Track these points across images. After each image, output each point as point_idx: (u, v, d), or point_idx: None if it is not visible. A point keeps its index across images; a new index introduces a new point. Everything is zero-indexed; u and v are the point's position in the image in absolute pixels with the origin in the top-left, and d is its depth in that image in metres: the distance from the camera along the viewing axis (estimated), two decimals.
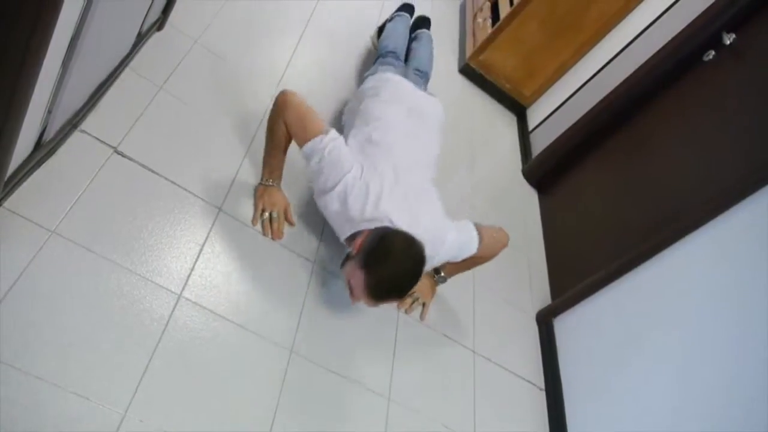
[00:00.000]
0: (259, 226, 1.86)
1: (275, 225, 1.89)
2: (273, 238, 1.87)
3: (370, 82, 2.23)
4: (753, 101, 2.19)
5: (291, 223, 1.95)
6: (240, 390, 1.52)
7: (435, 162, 2.05)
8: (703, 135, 2.33)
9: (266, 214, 1.88)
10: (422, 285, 2.08)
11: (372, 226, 1.68)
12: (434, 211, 1.84)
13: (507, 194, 3.02)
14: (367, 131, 1.88)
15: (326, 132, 1.72)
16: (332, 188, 1.70)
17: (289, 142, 1.82)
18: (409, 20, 2.92)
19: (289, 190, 1.99)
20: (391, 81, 2.19)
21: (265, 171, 1.92)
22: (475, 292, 2.33)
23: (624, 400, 1.99)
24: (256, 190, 1.94)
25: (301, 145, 1.73)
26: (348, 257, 1.72)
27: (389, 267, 1.59)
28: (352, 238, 1.73)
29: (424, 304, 2.10)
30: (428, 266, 1.76)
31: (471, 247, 1.90)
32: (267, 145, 1.87)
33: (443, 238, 1.79)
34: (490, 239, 1.96)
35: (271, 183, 1.92)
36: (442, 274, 2.10)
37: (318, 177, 1.74)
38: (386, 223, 1.68)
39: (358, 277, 1.61)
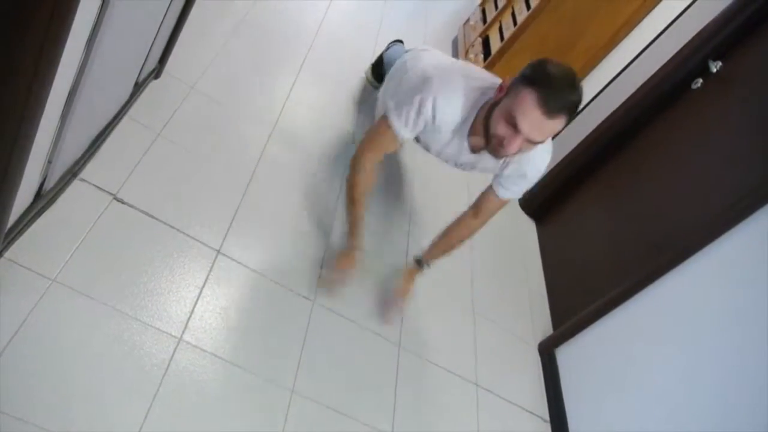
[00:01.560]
0: (262, 264, 1.88)
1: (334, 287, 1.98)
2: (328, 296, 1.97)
3: (407, 57, 2.23)
4: (741, 126, 2.23)
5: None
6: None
7: None
8: (695, 161, 2.35)
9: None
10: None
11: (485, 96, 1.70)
12: None
13: (505, 225, 3.03)
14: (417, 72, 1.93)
15: (389, 119, 1.79)
16: (435, 104, 1.72)
17: (371, 185, 1.92)
18: (404, 47, 2.97)
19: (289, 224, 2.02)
20: (426, 51, 2.23)
21: (353, 231, 1.99)
22: (476, 324, 2.34)
23: (629, 428, 1.98)
24: (342, 252, 2.02)
25: (394, 138, 1.80)
26: (492, 107, 1.64)
27: (559, 75, 1.51)
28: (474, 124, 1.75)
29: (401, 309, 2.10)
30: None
31: (543, 162, 1.88)
32: (351, 208, 1.95)
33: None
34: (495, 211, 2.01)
35: (356, 246, 1.98)
36: (424, 259, 2.10)
37: (420, 118, 1.76)
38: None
39: (525, 97, 1.50)
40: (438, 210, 2.60)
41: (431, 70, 1.82)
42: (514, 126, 1.54)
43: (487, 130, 1.65)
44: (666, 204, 2.39)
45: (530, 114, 1.50)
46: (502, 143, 1.59)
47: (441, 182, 2.82)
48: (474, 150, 1.85)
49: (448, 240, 2.06)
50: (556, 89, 1.49)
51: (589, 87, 3.13)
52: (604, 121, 2.84)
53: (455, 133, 1.82)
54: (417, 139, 1.98)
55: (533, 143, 1.59)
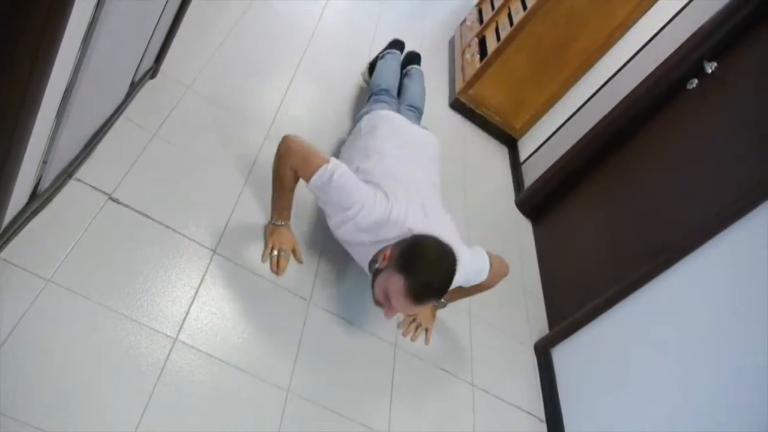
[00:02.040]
0: (257, 264, 1.88)
1: (282, 262, 1.93)
2: (278, 274, 1.92)
3: (365, 120, 2.28)
4: (737, 126, 2.24)
5: (299, 261, 2.00)
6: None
7: (439, 189, 2.10)
8: (690, 161, 2.36)
9: (275, 252, 1.94)
10: (423, 310, 2.12)
11: (396, 240, 1.72)
12: (451, 234, 1.87)
13: (501, 225, 3.04)
14: (369, 164, 1.93)
15: (329, 161, 1.75)
16: (349, 211, 1.73)
17: (296, 182, 1.86)
18: (399, 57, 2.98)
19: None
20: (386, 117, 2.26)
21: (275, 212, 1.97)
22: (472, 324, 2.34)
23: (626, 429, 1.98)
24: (265, 228, 1.99)
25: (308, 180, 1.76)
26: (377, 273, 1.72)
27: (427, 265, 1.61)
28: (375, 260, 1.76)
29: (426, 330, 2.14)
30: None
31: (482, 275, 1.94)
32: (275, 189, 1.91)
33: (461, 260, 1.78)
34: (496, 269, 2.00)
35: (280, 223, 1.98)
36: (443, 299, 2.13)
37: (332, 205, 1.78)
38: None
39: (396, 283, 1.61)
40: None
41: (361, 198, 1.75)
42: (389, 300, 1.66)
43: (372, 289, 1.75)
44: (661, 204, 2.40)
45: (399, 298, 1.63)
46: (387, 303, 1.69)
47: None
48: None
49: (462, 291, 2.08)
50: (423, 278, 1.60)
51: (585, 88, 3.15)
52: (600, 122, 2.85)
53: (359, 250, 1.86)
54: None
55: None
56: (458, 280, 1.82)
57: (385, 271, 1.66)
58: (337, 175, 1.72)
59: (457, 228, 1.94)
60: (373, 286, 1.74)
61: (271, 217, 1.99)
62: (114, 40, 1.36)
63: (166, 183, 1.87)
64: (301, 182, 1.81)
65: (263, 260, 1.92)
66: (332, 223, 1.83)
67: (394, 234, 1.74)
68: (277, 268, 1.92)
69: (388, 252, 1.69)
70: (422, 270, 1.61)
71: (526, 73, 3.31)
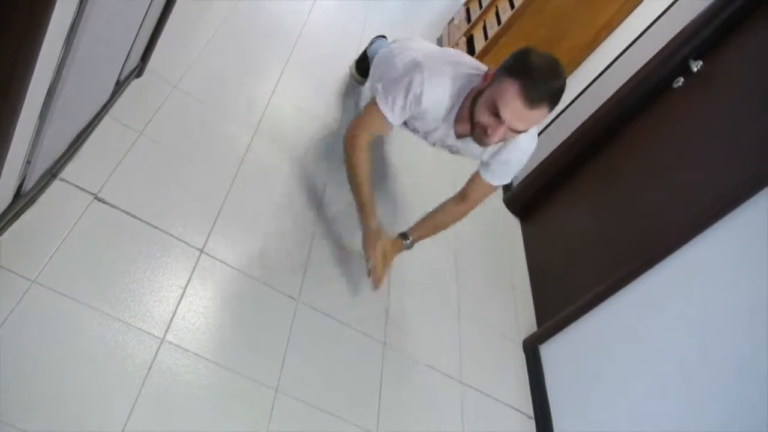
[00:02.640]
0: (245, 264, 1.87)
1: (379, 273, 1.92)
2: (376, 287, 1.94)
3: (394, 47, 2.25)
4: (722, 125, 2.25)
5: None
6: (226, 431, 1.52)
7: None
8: (676, 159, 2.38)
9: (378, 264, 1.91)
10: (388, 253, 2.02)
11: (474, 70, 1.74)
12: None
13: (490, 223, 3.05)
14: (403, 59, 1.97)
15: (372, 102, 1.84)
16: (422, 88, 1.74)
17: (370, 162, 1.91)
18: (387, 41, 2.97)
19: (274, 224, 2.02)
20: (409, 38, 2.29)
21: (364, 213, 1.94)
22: (461, 321, 2.34)
23: (615, 426, 1.99)
24: (365, 236, 1.96)
25: (382, 119, 1.81)
26: (477, 95, 1.67)
27: (540, 65, 1.54)
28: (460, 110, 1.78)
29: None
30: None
31: (524, 157, 1.93)
32: (356, 186, 1.92)
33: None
34: (481, 197, 2.03)
35: (373, 227, 1.94)
36: (410, 239, 2.06)
37: (408, 100, 1.78)
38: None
39: (509, 87, 1.53)
40: (425, 195, 2.60)
41: (419, 56, 1.83)
42: (497, 115, 1.58)
43: (472, 118, 1.68)
44: (648, 202, 2.41)
45: (511, 104, 1.54)
46: (486, 131, 1.62)
47: (428, 169, 2.83)
48: (459, 136, 1.88)
49: (434, 223, 2.07)
50: (537, 79, 1.52)
51: (572, 86, 3.15)
52: (587, 120, 2.86)
53: (442, 118, 1.85)
54: (405, 123, 1.99)
55: (516, 132, 1.62)
56: (524, 145, 1.86)
57: (492, 85, 1.60)
58: (381, 86, 1.80)
59: None
60: (472, 113, 1.67)
61: (365, 222, 1.94)
62: (98, 37, 1.35)
63: (152, 182, 1.86)
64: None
65: (380, 283, 1.93)
66: (418, 122, 1.89)
67: (465, 71, 1.74)
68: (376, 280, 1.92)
69: (491, 72, 1.65)
70: (536, 70, 1.53)
71: None
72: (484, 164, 1.96)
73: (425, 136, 2.01)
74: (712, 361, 1.76)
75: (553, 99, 1.57)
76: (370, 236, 1.94)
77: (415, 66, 1.78)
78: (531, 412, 2.26)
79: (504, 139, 1.65)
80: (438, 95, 1.77)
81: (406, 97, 1.77)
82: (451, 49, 1.90)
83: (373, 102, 1.85)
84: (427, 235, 2.10)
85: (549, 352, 2.41)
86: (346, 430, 1.74)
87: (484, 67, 1.78)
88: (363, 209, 1.95)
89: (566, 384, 2.26)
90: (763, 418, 1.56)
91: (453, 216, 2.07)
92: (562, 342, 2.36)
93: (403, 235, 2.06)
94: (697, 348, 1.83)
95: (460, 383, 2.13)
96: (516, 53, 1.61)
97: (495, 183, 1.97)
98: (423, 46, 2.11)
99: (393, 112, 1.80)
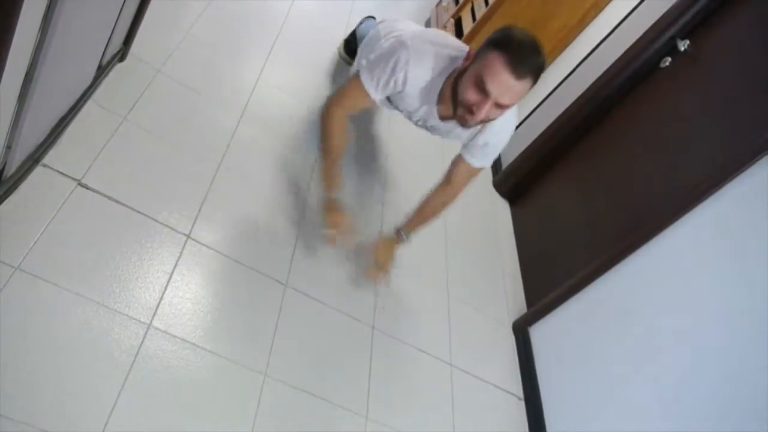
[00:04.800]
0: (233, 249, 1.86)
1: (348, 244, 2.01)
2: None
3: (381, 29, 2.23)
4: (709, 103, 2.25)
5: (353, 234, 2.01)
6: (214, 417, 1.51)
7: None
8: (665, 138, 2.37)
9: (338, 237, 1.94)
10: (383, 252, 2.08)
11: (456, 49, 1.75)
12: None
13: (479, 206, 3.04)
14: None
15: (356, 76, 1.83)
16: (406, 67, 1.75)
17: (345, 133, 1.91)
18: (375, 21, 2.95)
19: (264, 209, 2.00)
20: (395, 19, 2.28)
21: (328, 182, 1.96)
22: (450, 304, 2.35)
23: (604, 405, 2.01)
24: (322, 205, 2.00)
25: (365, 95, 1.82)
26: (461, 74, 1.67)
27: (521, 38, 1.55)
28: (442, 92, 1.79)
29: (386, 272, 2.10)
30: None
31: (505, 136, 1.93)
32: (326, 154, 1.93)
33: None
34: (466, 181, 2.04)
35: (333, 197, 1.95)
36: (403, 232, 2.09)
37: (389, 78, 1.79)
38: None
39: (493, 60, 1.53)
40: (413, 178, 2.61)
41: (405, 36, 1.83)
42: (483, 90, 1.57)
43: (455, 97, 1.68)
44: (637, 182, 2.41)
45: (499, 76, 1.53)
46: (471, 109, 1.62)
47: (416, 151, 2.82)
48: (442, 118, 1.88)
49: (423, 212, 2.08)
50: (523, 52, 1.53)
51: (561, 67, 3.15)
52: (575, 102, 2.85)
53: (425, 98, 1.85)
54: (389, 100, 2.00)
55: (502, 107, 1.62)
56: (503, 135, 1.89)
57: (476, 61, 1.60)
58: (366, 61, 1.79)
59: None
60: (456, 93, 1.67)
61: (325, 190, 1.96)
62: (77, 19, 1.32)
63: (137, 168, 1.84)
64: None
65: (334, 248, 1.98)
66: (399, 100, 1.90)
67: (447, 52, 1.75)
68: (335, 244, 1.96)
69: (472, 52, 1.66)
70: (519, 41, 1.54)
71: None
72: (465, 146, 1.96)
73: (408, 115, 2.02)
74: (709, 340, 1.77)
75: (537, 73, 1.57)
76: (327, 206, 1.96)
77: (400, 45, 1.78)
78: (521, 394, 2.27)
79: (487, 119, 1.65)
80: (421, 74, 1.78)
81: (389, 74, 1.78)
82: (439, 30, 1.90)
83: (356, 76, 1.85)
84: (420, 224, 2.11)
85: (539, 334, 2.42)
86: (335, 414, 1.74)
87: (466, 47, 1.78)
88: (326, 177, 1.96)
89: (556, 365, 2.27)
90: (751, 387, 1.58)
91: (441, 201, 2.07)
92: (552, 324, 2.37)
93: (397, 231, 2.10)
94: (690, 327, 1.84)
95: (450, 366, 2.13)
96: (499, 30, 1.62)
97: (476, 164, 1.97)
98: (409, 27, 2.10)
99: (376, 89, 1.81)
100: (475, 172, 2.00)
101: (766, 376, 1.56)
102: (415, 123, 2.06)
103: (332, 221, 1.92)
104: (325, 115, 1.91)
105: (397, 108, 2.06)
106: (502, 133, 1.90)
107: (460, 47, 1.81)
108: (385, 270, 2.08)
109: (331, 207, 1.95)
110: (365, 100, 1.85)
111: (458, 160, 2.00)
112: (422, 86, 1.81)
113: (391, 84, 1.80)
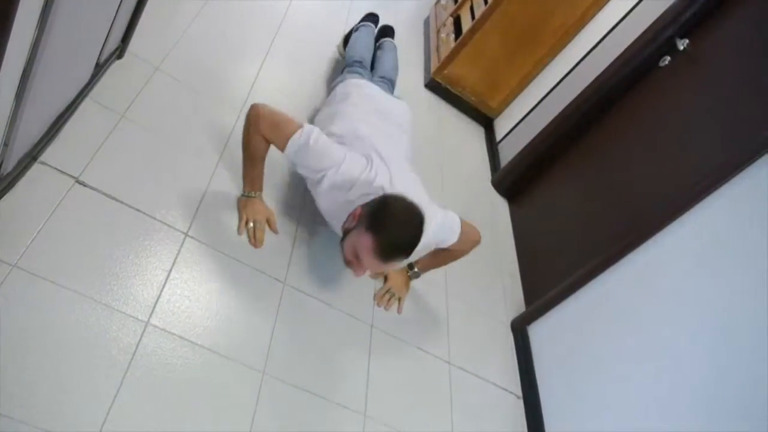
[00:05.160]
0: (231, 246, 1.86)
1: (258, 233, 1.93)
2: (256, 246, 1.92)
3: (339, 89, 2.31)
4: (708, 102, 2.25)
5: (274, 231, 2.01)
6: (212, 415, 1.51)
7: (410, 154, 2.14)
8: (664, 137, 2.38)
9: (250, 224, 1.94)
10: (397, 280, 2.17)
11: (367, 200, 1.74)
12: (421, 194, 1.89)
13: (478, 204, 3.05)
14: (342, 127, 1.97)
15: (303, 126, 1.76)
16: (326, 171, 1.76)
17: (267, 150, 1.86)
18: (374, 30, 2.97)
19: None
20: (358, 85, 2.30)
21: (246, 183, 1.96)
22: (449, 303, 2.34)
23: (602, 404, 2.01)
24: (238, 201, 1.98)
25: (283, 148, 1.76)
26: (347, 232, 1.74)
27: (395, 224, 1.64)
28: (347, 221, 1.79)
29: (399, 299, 2.16)
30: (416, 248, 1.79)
31: (452, 236, 1.96)
32: (245, 159, 1.91)
33: (431, 219, 1.80)
34: (468, 232, 2.03)
35: (253, 195, 1.96)
36: (416, 269, 2.19)
37: (309, 169, 1.79)
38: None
39: (365, 241, 1.63)
40: None
41: (342, 153, 1.79)
42: (358, 257, 1.69)
43: (342, 243, 1.77)
44: (636, 180, 2.41)
45: (368, 257, 1.66)
46: (355, 262, 1.72)
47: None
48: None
49: (437, 258, 2.15)
50: (392, 235, 1.63)
51: (560, 65, 3.15)
52: (574, 100, 2.85)
53: (332, 211, 1.90)
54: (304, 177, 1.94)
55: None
56: (428, 239, 1.84)
57: (355, 230, 1.69)
58: (313, 139, 1.74)
59: (426, 191, 1.96)
60: (342, 246, 1.76)
61: (243, 189, 1.97)
62: (74, 16, 1.32)
63: (135, 165, 1.84)
64: (274, 151, 1.82)
65: (239, 233, 1.91)
66: (309, 183, 1.88)
67: (365, 191, 1.76)
68: (254, 240, 1.92)
69: (358, 211, 1.71)
70: (390, 229, 1.63)
71: (501, 52, 3.30)
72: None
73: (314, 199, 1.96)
74: (708, 338, 1.77)
75: (407, 251, 1.68)
76: (241, 201, 1.98)
77: (337, 161, 1.76)
78: (519, 392, 2.27)
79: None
80: (336, 196, 1.81)
81: (317, 162, 1.77)
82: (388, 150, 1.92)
83: (301, 124, 1.77)
84: (432, 267, 2.21)
85: (537, 332, 2.42)
86: (334, 412, 1.74)
87: (382, 190, 1.76)
88: (244, 181, 1.97)
89: (554, 364, 2.27)
90: (749, 387, 1.58)
91: (449, 256, 2.12)
92: (551, 322, 2.37)
93: (410, 265, 2.20)
94: (689, 326, 1.84)
95: (448, 364, 2.13)
96: (376, 203, 1.69)
97: (451, 242, 1.99)
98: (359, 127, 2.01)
99: (311, 131, 1.75)
100: (461, 243, 2.01)
101: (765, 375, 1.56)
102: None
103: (251, 212, 1.94)
104: (253, 127, 1.80)
105: (307, 189, 1.99)
106: (440, 231, 1.90)
107: (378, 189, 1.77)
108: (398, 298, 2.16)
109: (245, 203, 1.97)
110: (285, 136, 1.75)
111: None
112: (333, 202, 1.84)
113: (315, 168, 1.78)
